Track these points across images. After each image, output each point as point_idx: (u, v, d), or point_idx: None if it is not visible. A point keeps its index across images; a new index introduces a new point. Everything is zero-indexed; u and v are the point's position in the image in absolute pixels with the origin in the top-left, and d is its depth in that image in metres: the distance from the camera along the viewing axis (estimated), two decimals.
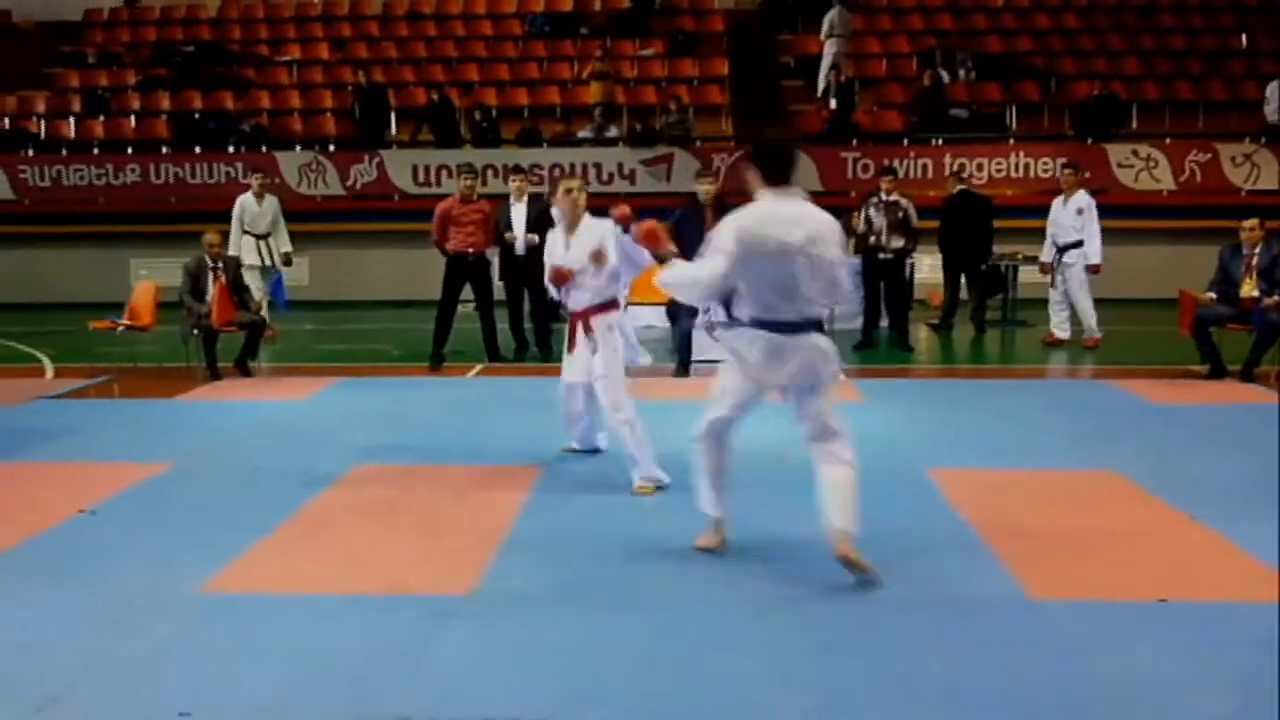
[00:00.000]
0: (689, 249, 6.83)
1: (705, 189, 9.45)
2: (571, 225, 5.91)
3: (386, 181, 15.80)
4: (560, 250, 5.91)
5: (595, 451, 6.47)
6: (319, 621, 4.03)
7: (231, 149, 16.09)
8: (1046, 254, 11.26)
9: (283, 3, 19.55)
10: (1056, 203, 11.24)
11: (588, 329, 5.82)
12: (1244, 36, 18.22)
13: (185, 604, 4.22)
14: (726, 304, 4.48)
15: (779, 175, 4.34)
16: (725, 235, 4.30)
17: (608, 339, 5.78)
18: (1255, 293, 8.92)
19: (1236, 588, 4.30)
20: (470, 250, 9.89)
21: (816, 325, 4.43)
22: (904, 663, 3.65)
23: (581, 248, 5.79)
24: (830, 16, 17.11)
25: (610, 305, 5.87)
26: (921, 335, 11.87)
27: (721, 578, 4.47)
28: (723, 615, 4.08)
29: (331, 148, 16.15)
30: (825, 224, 4.30)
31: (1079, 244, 10.92)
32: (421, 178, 15.69)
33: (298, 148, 16.17)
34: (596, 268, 5.73)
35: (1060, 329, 11.21)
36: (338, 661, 3.69)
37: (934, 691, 3.46)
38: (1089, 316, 10.95)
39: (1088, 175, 13.44)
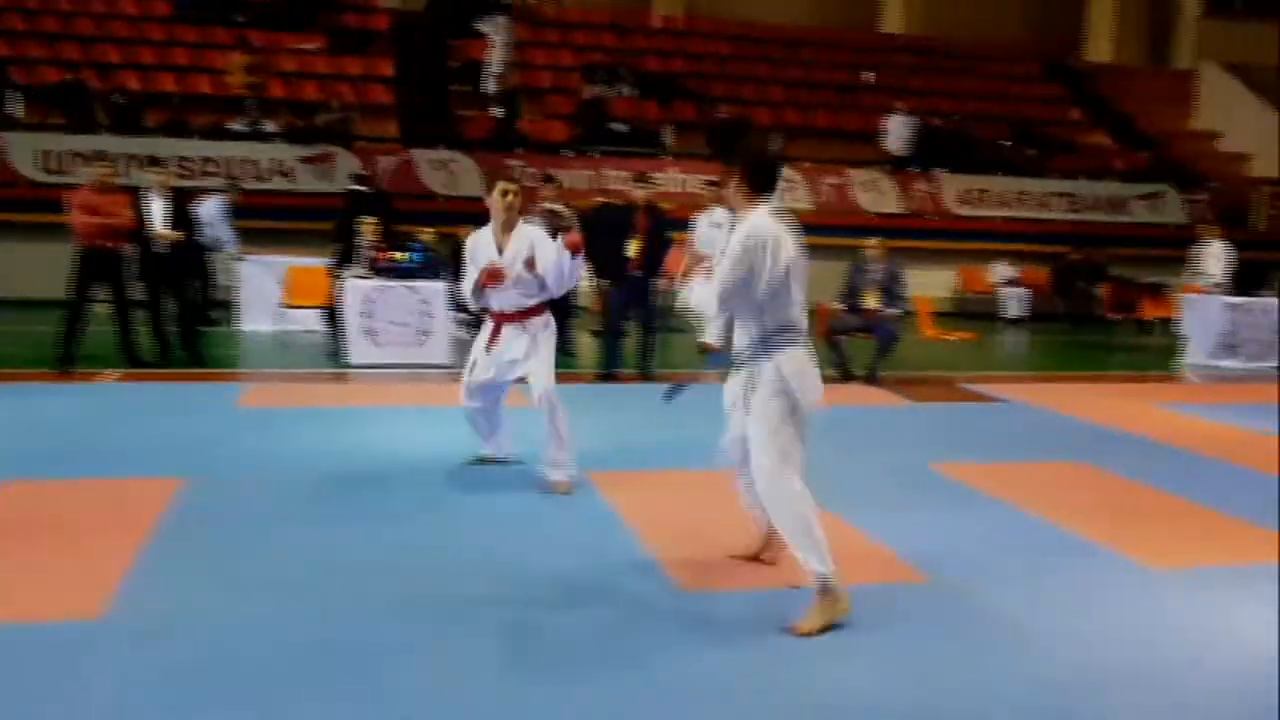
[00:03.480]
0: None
1: (640, 193, 9.91)
2: (506, 228, 5.81)
3: (7, 167, 14.24)
4: (493, 252, 5.78)
5: (505, 462, 6.33)
6: None
7: None
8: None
9: None
10: (701, 216, 11.82)
11: (522, 328, 5.83)
12: (871, 74, 20.11)
13: None
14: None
15: (773, 185, 4.27)
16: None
17: (546, 338, 5.87)
18: (877, 305, 9.85)
19: (859, 572, 4.69)
20: (108, 244, 9.11)
21: None
22: (562, 659, 3.72)
23: (517, 252, 5.74)
24: (496, 24, 17.22)
25: (543, 307, 5.90)
26: (583, 341, 12.16)
27: (374, 587, 4.36)
28: (383, 624, 3.98)
29: None
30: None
31: None
32: (51, 165, 14.27)
33: None
34: (530, 273, 5.75)
35: (710, 335, 11.74)
36: None
37: (588, 688, 3.54)
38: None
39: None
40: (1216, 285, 12.86)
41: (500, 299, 5.81)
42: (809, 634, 3.98)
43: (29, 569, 4.44)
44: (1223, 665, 3.85)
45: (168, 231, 9.42)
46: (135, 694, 3.39)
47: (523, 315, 5.82)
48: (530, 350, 5.79)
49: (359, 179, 12.75)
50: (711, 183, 12.64)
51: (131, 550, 4.64)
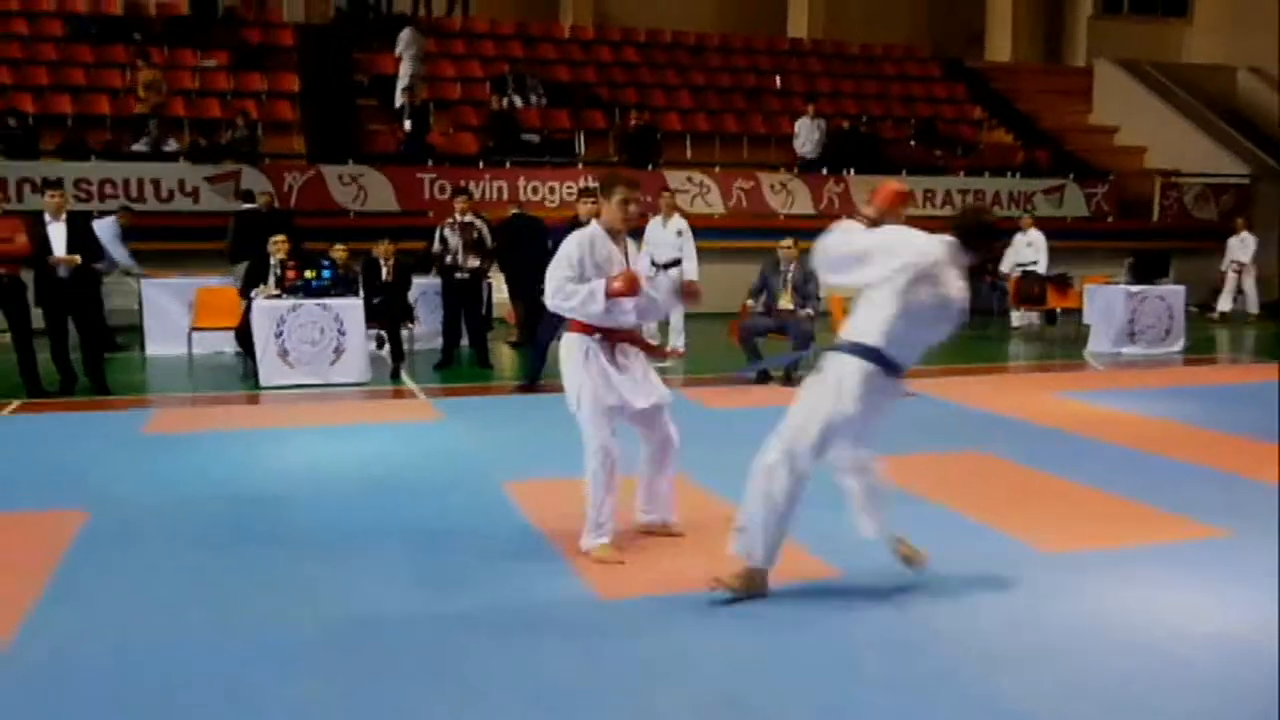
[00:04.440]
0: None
1: (586, 209, 9.32)
2: (621, 239, 5.09)
3: None
4: (621, 259, 5.02)
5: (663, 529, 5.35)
6: None
7: None
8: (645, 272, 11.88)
9: None
10: (654, 224, 11.86)
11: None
12: (778, 78, 20.39)
13: None
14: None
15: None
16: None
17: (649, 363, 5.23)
18: (791, 305, 9.97)
19: (774, 569, 4.77)
20: (3, 271, 8.86)
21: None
22: (477, 674, 3.72)
23: (639, 262, 5.14)
24: (403, 37, 17.12)
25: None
26: (502, 353, 12.14)
27: (281, 611, 4.31)
28: (290, 649, 3.94)
29: None
30: None
31: (678, 262, 11.58)
32: None
33: None
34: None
35: (653, 339, 11.88)
36: None
37: (506, 698, 3.54)
38: (678, 331, 11.68)
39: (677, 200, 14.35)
40: (1030, 267, 14.38)
41: (623, 314, 5.03)
42: (723, 587, 4.32)
43: None
44: (1120, 646, 3.99)
45: (66, 256, 9.16)
46: None
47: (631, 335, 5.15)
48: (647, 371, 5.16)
49: (247, 197, 12.64)
50: (666, 189, 12.69)
51: (37, 584, 4.54)
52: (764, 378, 10.01)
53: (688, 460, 6.74)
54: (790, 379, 9.92)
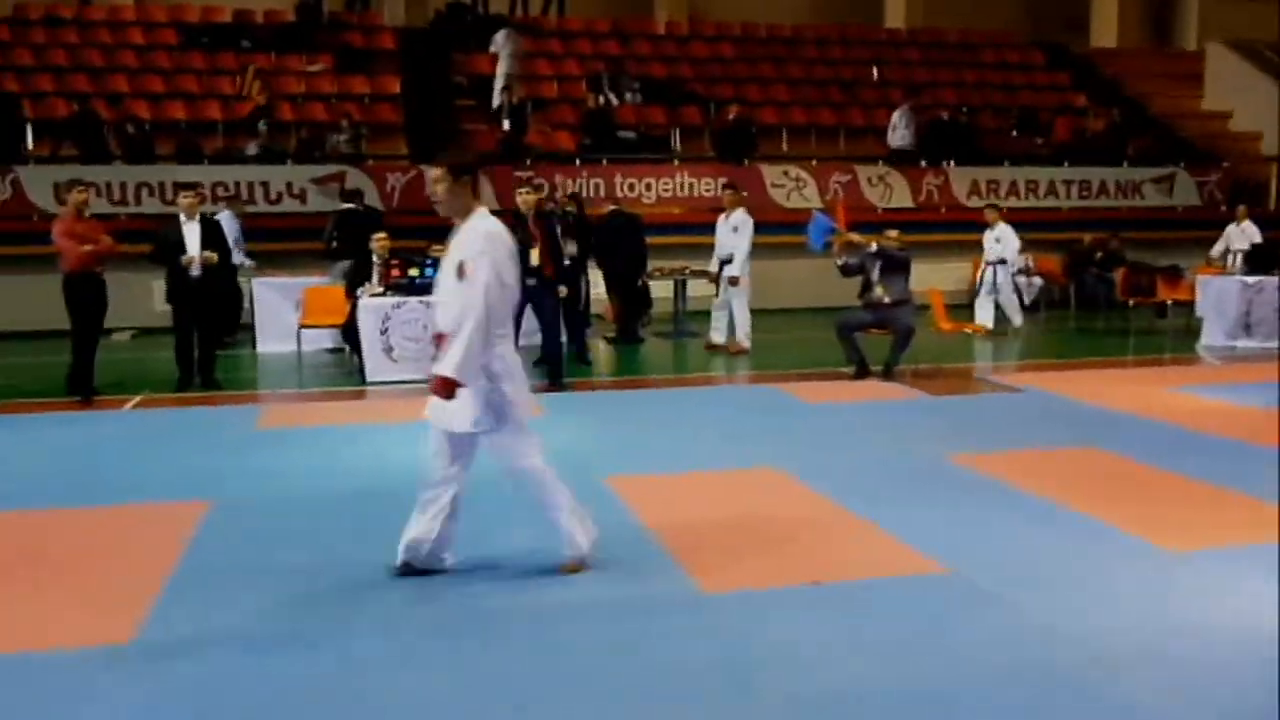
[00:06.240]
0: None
1: (525, 199, 9.95)
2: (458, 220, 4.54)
3: (24, 200, 14.40)
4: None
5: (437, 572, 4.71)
6: None
7: None
8: (714, 266, 11.99)
9: None
10: (720, 219, 11.98)
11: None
12: (875, 69, 20.12)
13: None
14: None
15: None
16: None
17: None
18: (886, 297, 9.78)
19: (879, 566, 4.74)
20: (96, 270, 9.19)
21: None
22: (583, 663, 3.76)
23: (452, 258, 4.49)
24: (500, 37, 17.31)
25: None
26: (600, 349, 12.22)
27: (397, 601, 4.41)
28: (405, 638, 4.03)
29: None
30: None
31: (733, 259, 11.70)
32: (66, 196, 14.37)
33: None
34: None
35: (716, 334, 11.97)
36: None
37: (611, 688, 3.58)
38: (740, 325, 11.71)
39: (745, 195, 14.32)
40: (1002, 263, 13.55)
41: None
42: None
43: (50, 597, 4.51)
44: (1236, 646, 3.86)
45: (205, 254, 9.42)
46: (158, 717, 3.46)
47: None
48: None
49: (352, 197, 12.90)
50: (729, 186, 12.72)
51: (162, 573, 4.72)
52: (863, 372, 9.89)
53: (787, 455, 6.73)
54: (890, 373, 9.80)
